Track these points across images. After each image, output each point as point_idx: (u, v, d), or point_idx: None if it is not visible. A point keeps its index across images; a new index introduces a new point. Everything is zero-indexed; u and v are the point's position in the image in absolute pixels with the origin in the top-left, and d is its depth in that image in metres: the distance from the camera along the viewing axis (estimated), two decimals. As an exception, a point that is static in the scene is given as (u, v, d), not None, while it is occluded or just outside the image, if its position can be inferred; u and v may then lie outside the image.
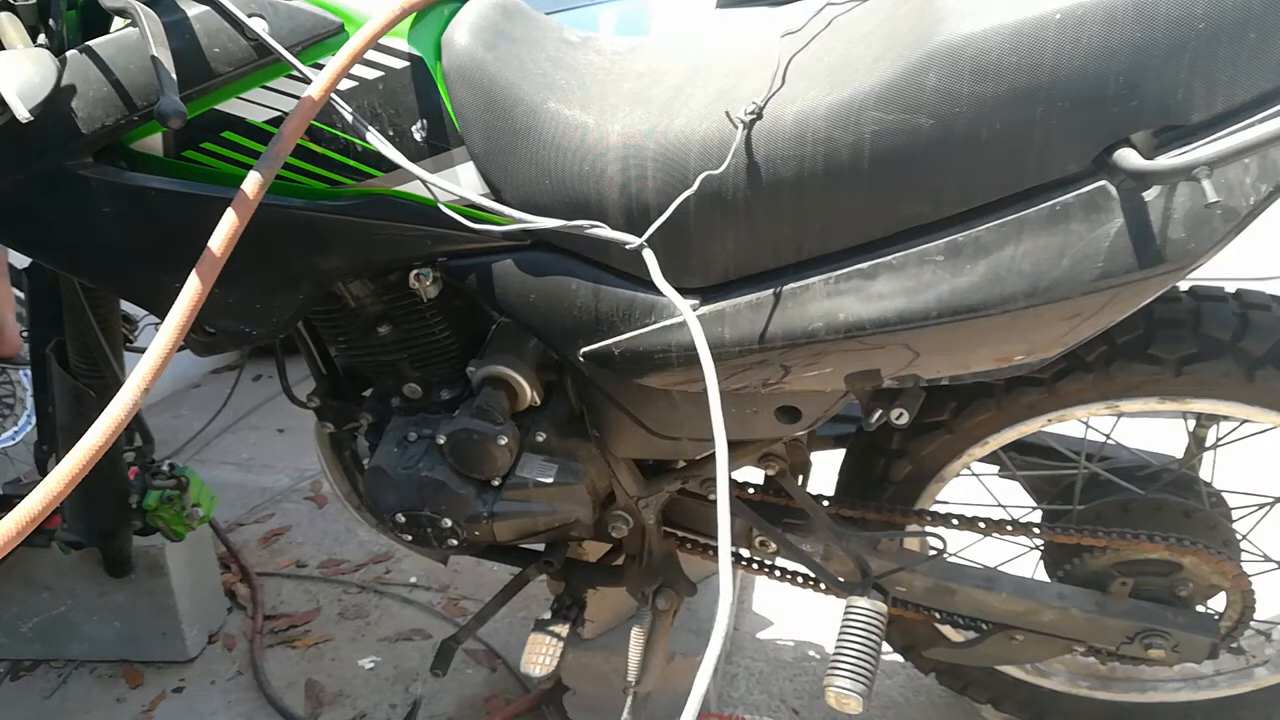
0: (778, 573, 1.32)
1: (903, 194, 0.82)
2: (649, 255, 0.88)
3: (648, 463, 1.22)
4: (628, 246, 0.89)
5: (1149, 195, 0.76)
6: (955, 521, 1.19)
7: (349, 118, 0.92)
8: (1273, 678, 1.31)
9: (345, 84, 0.93)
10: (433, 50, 0.94)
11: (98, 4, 0.85)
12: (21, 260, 1.47)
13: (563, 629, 1.25)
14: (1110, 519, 1.19)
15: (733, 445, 1.04)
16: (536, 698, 1.60)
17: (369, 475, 1.16)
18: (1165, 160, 0.72)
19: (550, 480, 1.12)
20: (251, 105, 0.93)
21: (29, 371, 1.54)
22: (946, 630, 1.33)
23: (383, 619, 1.91)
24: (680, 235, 0.90)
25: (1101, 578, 1.19)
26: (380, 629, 1.88)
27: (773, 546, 1.26)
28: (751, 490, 1.27)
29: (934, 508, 1.24)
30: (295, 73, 0.90)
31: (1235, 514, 1.24)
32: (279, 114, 0.93)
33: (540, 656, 1.22)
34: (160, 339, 0.78)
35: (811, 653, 1.71)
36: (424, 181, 0.92)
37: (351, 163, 0.95)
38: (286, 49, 0.88)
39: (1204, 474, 1.25)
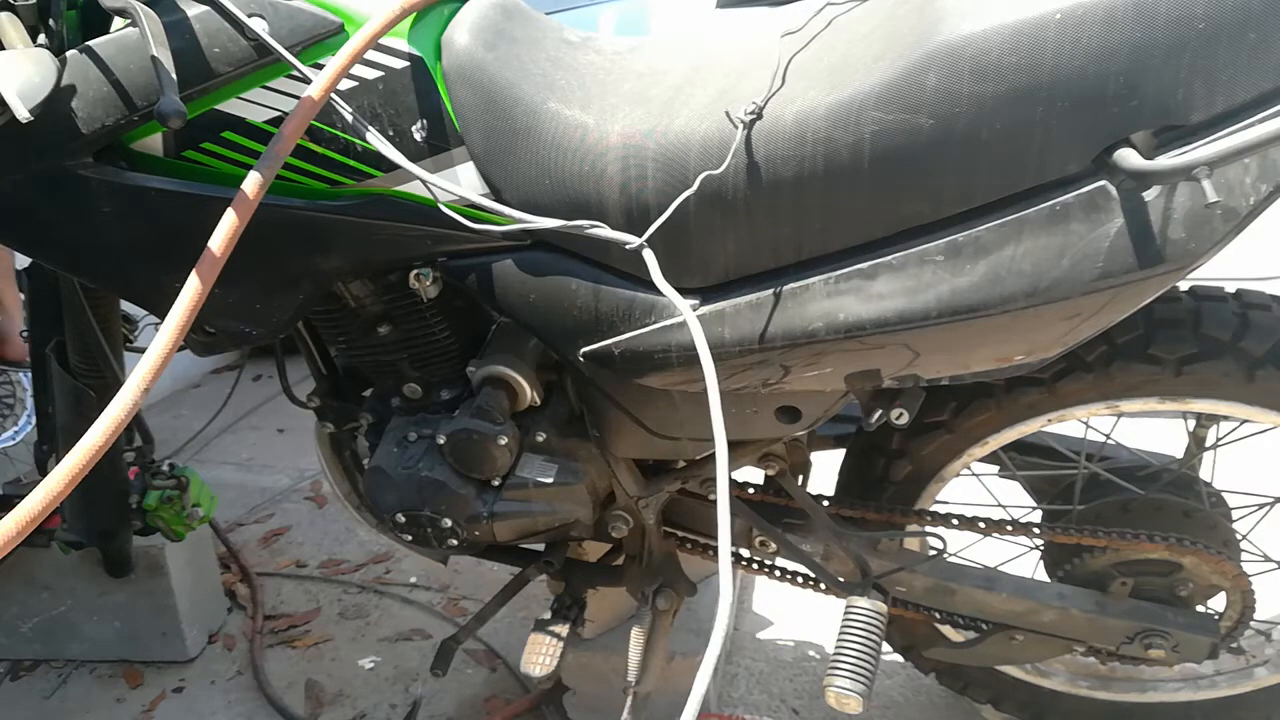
0: (778, 573, 1.32)
1: (903, 194, 0.82)
2: (649, 255, 0.88)
3: (648, 463, 1.22)
4: (628, 246, 0.89)
5: (1149, 195, 0.76)
6: (955, 521, 1.19)
7: (349, 118, 0.92)
8: (1273, 678, 1.31)
9: (345, 84, 0.93)
10: (433, 50, 0.94)
11: (98, 4, 0.85)
12: (22, 260, 1.47)
13: (563, 629, 1.24)
14: (1110, 519, 1.19)
15: (733, 445, 1.04)
16: (536, 698, 1.60)
17: (369, 475, 1.16)
18: (1165, 160, 0.72)
19: (550, 480, 1.12)
20: (251, 105, 0.93)
21: (29, 372, 1.54)
22: (946, 630, 1.33)
23: (383, 619, 1.91)
24: (680, 235, 0.90)
25: (1101, 578, 1.19)
26: (380, 629, 1.88)
27: (773, 546, 1.26)
28: (751, 490, 1.27)
29: (934, 508, 1.24)
30: (295, 73, 0.90)
31: (1235, 514, 1.24)
32: (279, 114, 0.93)
33: (540, 656, 1.22)
34: (160, 339, 0.78)
35: (811, 653, 1.71)
36: (424, 181, 0.92)
37: (351, 163, 0.95)
38: (286, 49, 0.88)
39: (1204, 474, 1.25)
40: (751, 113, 0.85)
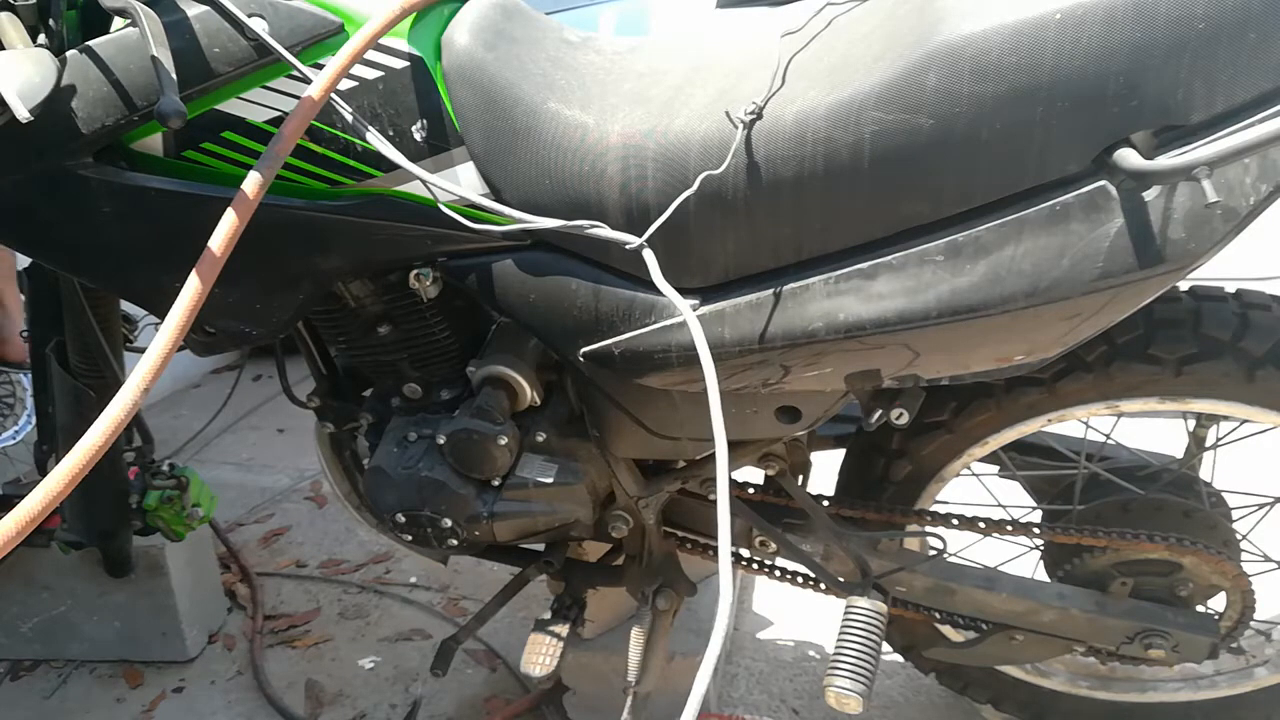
0: (778, 573, 1.32)
1: (903, 194, 0.82)
2: (649, 255, 0.88)
3: (648, 463, 1.22)
4: (628, 246, 0.89)
5: (1149, 195, 0.76)
6: (955, 521, 1.19)
7: (349, 118, 0.92)
8: (1273, 678, 1.31)
9: (345, 84, 0.93)
10: (433, 50, 0.94)
11: (98, 4, 0.85)
12: (22, 260, 1.47)
13: (563, 629, 1.24)
14: (1110, 519, 1.19)
15: (733, 445, 1.04)
16: (536, 698, 1.60)
17: (369, 475, 1.16)
18: (1165, 160, 0.72)
19: (550, 480, 1.12)
20: (251, 105, 0.93)
21: (29, 372, 1.54)
22: (946, 630, 1.33)
23: (383, 619, 1.91)
24: (680, 235, 0.90)
25: (1101, 578, 1.19)
26: (380, 629, 1.88)
27: (773, 546, 1.26)
28: (751, 490, 1.27)
29: (934, 508, 1.24)
30: (295, 73, 0.90)
31: (1235, 514, 1.24)
32: (279, 114, 0.93)
33: (540, 656, 1.22)
34: (160, 339, 0.78)
35: (811, 653, 1.71)
36: (424, 181, 0.92)
37: (351, 163, 0.95)
38: (286, 49, 0.88)
39: (1204, 474, 1.25)
40: (751, 113, 0.85)
